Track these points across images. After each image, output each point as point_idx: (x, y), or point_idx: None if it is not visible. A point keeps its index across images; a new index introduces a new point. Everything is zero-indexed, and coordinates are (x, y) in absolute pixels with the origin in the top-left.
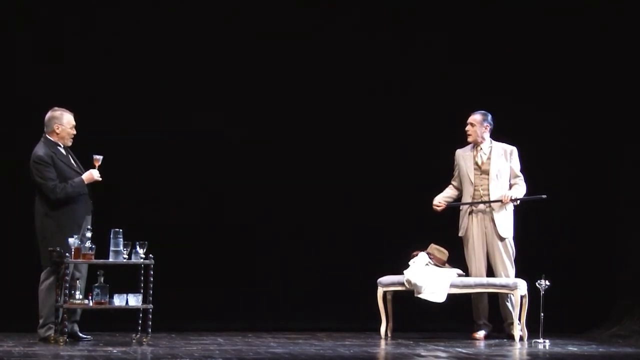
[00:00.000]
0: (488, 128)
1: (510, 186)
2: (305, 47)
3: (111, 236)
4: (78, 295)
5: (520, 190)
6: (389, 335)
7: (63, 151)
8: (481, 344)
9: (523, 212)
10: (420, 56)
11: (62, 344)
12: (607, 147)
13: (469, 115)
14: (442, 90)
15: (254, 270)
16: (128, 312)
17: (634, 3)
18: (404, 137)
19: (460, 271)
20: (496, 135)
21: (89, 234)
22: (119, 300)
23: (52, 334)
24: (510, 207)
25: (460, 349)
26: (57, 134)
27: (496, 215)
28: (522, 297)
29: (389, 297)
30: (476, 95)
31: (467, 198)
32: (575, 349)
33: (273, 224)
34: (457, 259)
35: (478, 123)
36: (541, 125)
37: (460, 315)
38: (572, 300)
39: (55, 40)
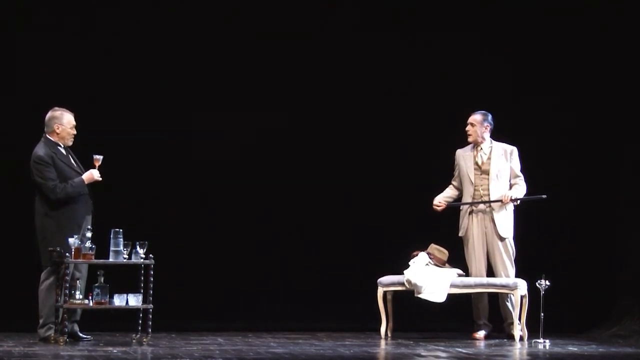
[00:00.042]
0: (488, 128)
1: (511, 186)
2: (305, 47)
3: (111, 236)
4: (78, 295)
5: (520, 190)
6: (389, 335)
7: (63, 151)
8: (481, 344)
9: (523, 212)
10: (421, 56)
11: (62, 344)
12: (607, 147)
13: (469, 115)
14: (442, 90)
15: (254, 270)
16: (128, 312)
17: (634, 3)
18: (404, 137)
19: (460, 271)
20: (496, 135)
21: (89, 234)
22: (119, 300)
23: (52, 334)
24: (510, 207)
25: (460, 349)
26: (58, 133)
27: (496, 215)
28: (522, 297)
29: (389, 297)
30: (477, 95)
31: (467, 198)
32: (575, 349)
33: (273, 224)
34: (457, 259)
35: (478, 123)
36: (541, 125)
37: (460, 315)
38: (572, 300)
39: (55, 40)
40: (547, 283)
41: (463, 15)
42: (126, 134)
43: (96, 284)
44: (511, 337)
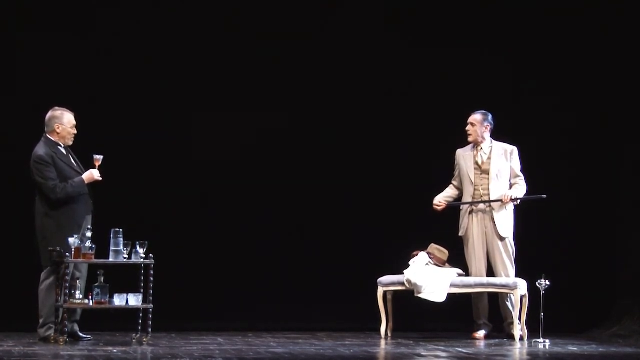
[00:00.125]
0: (488, 128)
1: (511, 186)
2: (305, 47)
3: (111, 236)
4: (78, 295)
5: (520, 190)
6: (389, 335)
7: (63, 151)
8: (481, 343)
9: (523, 212)
10: (421, 56)
11: (62, 343)
12: (607, 147)
13: (469, 115)
14: (442, 90)
15: (254, 270)
16: (128, 312)
17: (634, 3)
18: (404, 137)
19: (460, 271)
20: (496, 135)
21: (89, 234)
22: (119, 300)
23: (52, 334)
24: (510, 207)
25: (460, 349)
26: (58, 133)
27: (496, 215)
28: (522, 297)
29: (389, 297)
30: (477, 95)
31: (467, 198)
32: (575, 349)
33: (273, 224)
34: (457, 258)
35: (478, 123)
36: (541, 125)
37: (460, 315)
38: (572, 300)
39: (55, 40)
40: (547, 283)
41: (463, 16)
42: (126, 134)
43: (96, 284)
44: (511, 337)
